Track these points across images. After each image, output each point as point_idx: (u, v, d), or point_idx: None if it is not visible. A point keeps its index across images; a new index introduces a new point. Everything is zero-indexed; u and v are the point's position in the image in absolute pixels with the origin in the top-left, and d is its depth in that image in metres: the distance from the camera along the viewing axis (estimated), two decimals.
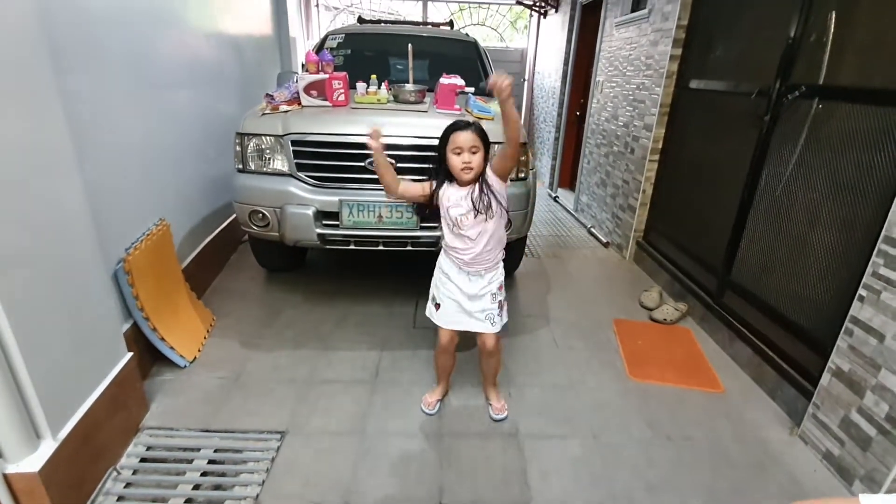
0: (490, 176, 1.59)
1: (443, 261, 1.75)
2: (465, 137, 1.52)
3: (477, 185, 1.58)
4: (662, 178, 3.23)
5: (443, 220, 1.66)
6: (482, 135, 1.55)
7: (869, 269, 1.58)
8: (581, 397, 2.03)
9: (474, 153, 1.53)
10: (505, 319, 1.77)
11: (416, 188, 1.68)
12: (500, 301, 1.73)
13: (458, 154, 1.53)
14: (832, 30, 1.90)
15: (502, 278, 1.74)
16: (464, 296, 1.69)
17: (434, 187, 1.65)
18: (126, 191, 2.00)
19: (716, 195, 2.63)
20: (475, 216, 1.58)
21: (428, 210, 1.71)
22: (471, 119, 2.35)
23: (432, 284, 1.80)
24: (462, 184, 1.59)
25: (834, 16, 1.90)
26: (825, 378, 1.73)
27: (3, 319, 1.19)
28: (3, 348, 1.22)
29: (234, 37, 3.49)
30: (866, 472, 1.55)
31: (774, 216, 2.18)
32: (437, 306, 1.77)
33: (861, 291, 1.60)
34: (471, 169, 1.54)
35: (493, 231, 1.62)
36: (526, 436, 1.80)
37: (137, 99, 2.11)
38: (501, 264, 1.73)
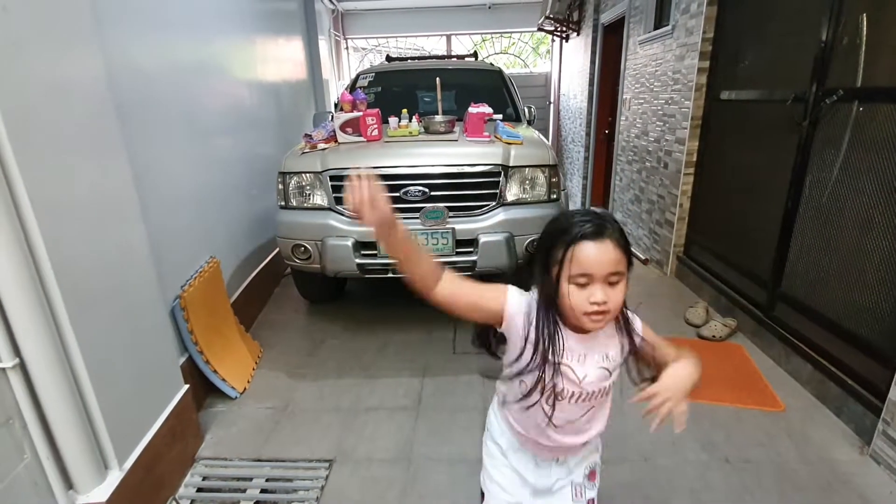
0: (637, 334, 0.96)
1: (494, 422, 1.07)
2: (598, 256, 0.80)
3: (622, 335, 0.94)
4: (700, 190, 3.16)
5: (511, 364, 0.93)
6: (626, 247, 0.84)
7: None
8: (629, 419, 1.95)
9: (613, 284, 0.82)
10: None
11: (482, 297, 0.90)
12: (589, 500, 1.06)
13: (584, 285, 0.82)
14: (865, 31, 1.87)
15: (596, 459, 1.09)
16: (526, 489, 1.03)
17: (531, 310, 0.89)
18: (181, 232, 2.13)
19: (758, 205, 2.56)
20: (594, 387, 0.92)
21: (495, 338, 0.97)
22: (500, 146, 2.41)
23: (482, 466, 1.11)
24: (580, 330, 0.89)
25: (865, 18, 1.86)
26: (894, 392, 1.62)
27: (77, 355, 1.29)
28: (77, 382, 1.31)
29: (273, 83, 3.72)
30: None
31: (823, 223, 2.10)
32: (483, 498, 1.08)
33: None
34: (604, 314, 0.83)
35: (599, 407, 0.98)
36: None
37: (189, 146, 2.28)
38: (596, 444, 1.08)
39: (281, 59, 4.03)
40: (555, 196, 2.45)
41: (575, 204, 5.98)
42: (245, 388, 2.22)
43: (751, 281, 2.63)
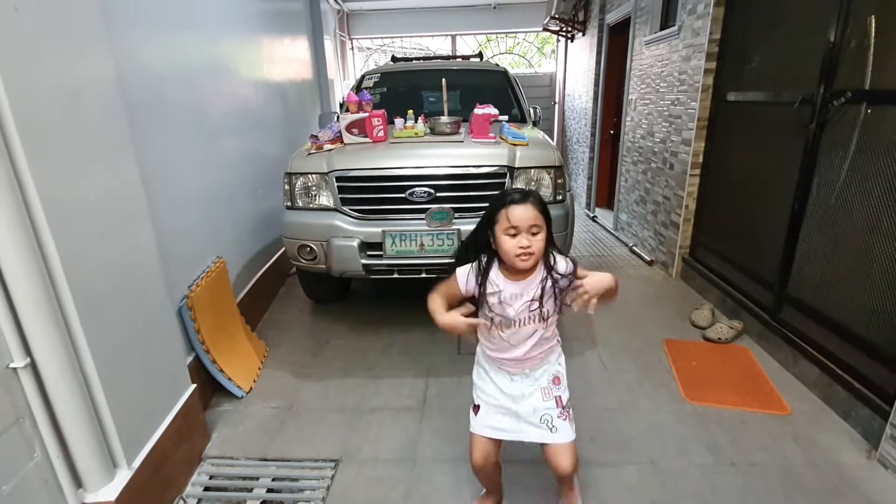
0: (564, 273, 1.23)
1: (480, 354, 1.40)
2: (521, 214, 1.13)
3: (544, 276, 1.22)
4: (706, 192, 3.15)
5: (482, 313, 1.28)
6: (543, 208, 1.17)
7: None
8: (635, 421, 1.97)
9: (535, 234, 1.15)
10: (572, 425, 1.33)
11: (449, 293, 1.28)
12: (556, 397, 1.31)
13: (513, 235, 1.15)
14: (874, 34, 1.85)
15: (559, 370, 1.36)
16: (507, 397, 1.32)
17: (471, 276, 1.25)
18: (188, 232, 2.14)
19: (765, 207, 2.55)
20: (529, 318, 1.23)
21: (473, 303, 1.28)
22: (506, 147, 2.41)
23: (473, 384, 1.42)
24: (515, 273, 1.22)
25: (874, 20, 1.85)
26: None
27: (87, 355, 1.30)
28: (87, 382, 1.32)
29: (279, 83, 3.73)
30: None
31: (831, 226, 2.09)
32: (476, 408, 1.37)
33: None
34: (530, 255, 1.15)
35: (543, 334, 1.28)
36: (580, 463, 1.75)
37: (196, 147, 2.29)
38: (556, 355, 1.37)
39: (287, 60, 4.05)
40: (560, 197, 2.44)
41: (580, 205, 5.97)
42: (251, 388, 2.23)
43: (757, 283, 2.62)
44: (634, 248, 4.09)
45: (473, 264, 1.25)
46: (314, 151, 2.48)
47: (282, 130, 3.66)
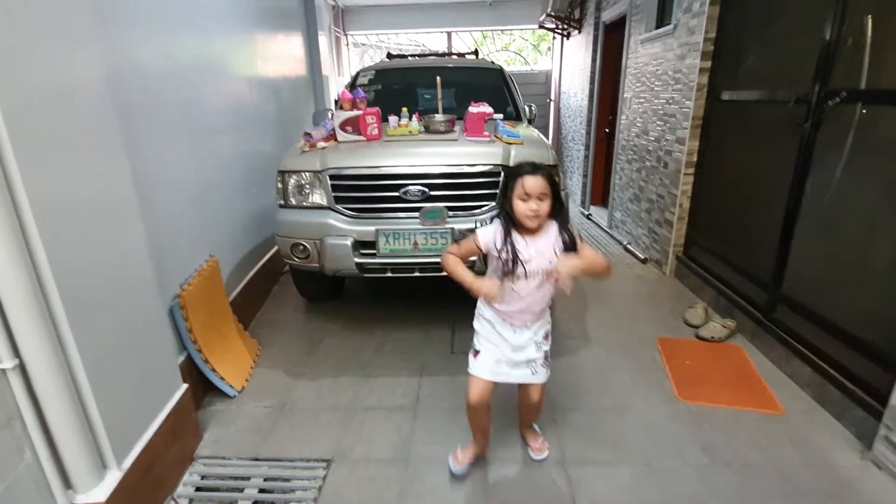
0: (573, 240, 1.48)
1: (484, 308, 1.61)
2: (532, 183, 1.40)
3: (558, 233, 1.47)
4: (700, 191, 3.16)
5: (495, 270, 1.52)
6: (551, 180, 1.44)
7: None
8: (629, 421, 1.97)
9: (542, 200, 1.42)
10: (548, 371, 1.64)
11: (470, 250, 1.53)
12: (545, 351, 1.62)
13: (525, 201, 1.42)
14: (870, 33, 1.85)
15: (549, 327, 1.64)
16: (508, 346, 1.57)
17: (497, 236, 1.48)
18: (180, 231, 2.12)
19: (759, 206, 2.55)
20: (540, 272, 1.46)
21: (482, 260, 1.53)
22: (501, 146, 2.40)
23: (474, 333, 1.65)
24: (527, 232, 1.47)
25: (870, 19, 1.85)
26: (895, 397, 1.62)
27: (76, 356, 1.28)
28: (76, 383, 1.30)
29: (272, 80, 3.70)
30: None
31: (826, 225, 2.10)
32: (477, 353, 1.61)
33: None
34: (538, 216, 1.42)
35: (546, 291, 1.51)
36: (573, 462, 1.76)
37: (189, 145, 2.27)
38: (548, 313, 1.63)
39: (281, 56, 4.01)
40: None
41: (575, 203, 5.97)
42: (243, 387, 2.22)
43: (751, 282, 2.63)
44: (629, 246, 4.10)
45: (496, 227, 1.49)
46: (308, 149, 2.46)
47: (276, 128, 3.63)
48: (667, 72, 3.39)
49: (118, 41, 1.73)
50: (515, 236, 1.46)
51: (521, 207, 1.43)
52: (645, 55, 3.78)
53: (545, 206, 1.43)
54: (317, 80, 5.18)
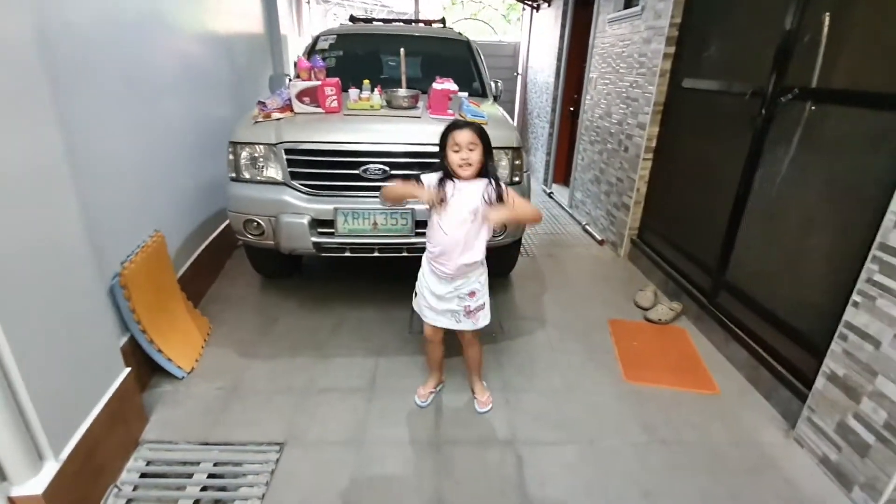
0: (502, 192, 1.66)
1: (425, 264, 1.83)
2: (462, 136, 1.60)
3: (487, 185, 1.65)
4: (656, 176, 3.23)
5: (434, 215, 1.69)
6: (480, 133, 1.62)
7: (863, 275, 1.59)
8: (577, 402, 2.05)
9: (472, 150, 1.61)
10: (476, 324, 1.82)
11: (410, 187, 1.69)
12: (466, 306, 1.79)
13: (457, 152, 1.61)
14: (826, 31, 1.90)
15: (476, 287, 1.78)
16: (432, 295, 1.79)
17: (434, 179, 1.68)
18: (120, 204, 1.98)
19: (710, 194, 2.64)
20: (467, 215, 1.64)
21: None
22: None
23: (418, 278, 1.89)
24: (461, 180, 1.65)
25: (828, 17, 1.89)
26: (820, 381, 1.75)
27: (3, 343, 1.19)
28: (3, 371, 1.22)
29: (225, 38, 3.44)
30: (866, 479, 1.56)
31: (769, 217, 2.20)
32: (415, 295, 1.89)
33: (855, 297, 1.61)
34: (469, 165, 1.61)
35: (471, 238, 1.67)
36: (523, 443, 1.82)
37: (129, 109, 2.09)
38: (477, 276, 1.78)
39: (234, 13, 3.72)
40: (517, 179, 2.43)
41: (538, 180, 6.01)
42: (193, 368, 2.15)
43: (698, 267, 2.75)
44: (587, 226, 4.18)
45: (437, 174, 1.68)
46: (262, 120, 2.32)
47: (228, 90, 3.41)
48: (632, 54, 3.39)
49: None
50: (449, 183, 1.66)
51: (453, 157, 1.62)
52: (612, 35, 3.76)
53: (475, 155, 1.61)
54: (275, 39, 4.88)
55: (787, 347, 2.05)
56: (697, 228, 2.78)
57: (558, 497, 1.60)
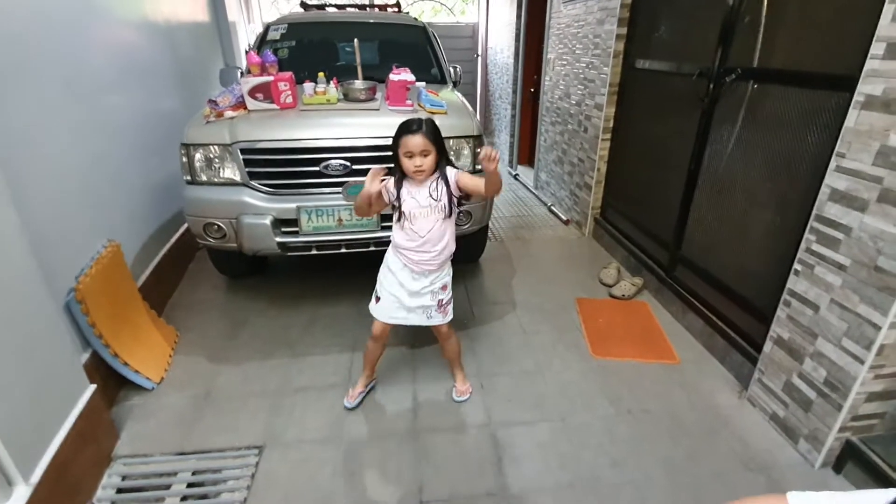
0: (452, 182, 1.64)
1: (390, 257, 1.79)
2: (415, 142, 1.55)
3: (437, 181, 1.64)
4: (615, 156, 3.32)
5: (395, 216, 1.70)
6: (433, 136, 1.58)
7: (803, 245, 1.70)
8: (548, 381, 2.13)
9: (425, 156, 1.58)
10: (447, 317, 1.85)
11: (380, 198, 1.67)
12: (440, 300, 1.80)
13: (410, 157, 1.57)
14: (765, 12, 1.98)
15: (447, 280, 1.81)
16: (404, 291, 1.76)
17: (391, 185, 1.66)
18: (68, 215, 1.90)
19: (665, 173, 2.74)
20: (429, 212, 1.64)
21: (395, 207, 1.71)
22: (424, 115, 2.35)
23: (377, 280, 1.83)
24: (417, 183, 1.65)
25: None
26: (767, 345, 1.88)
27: None
28: None
29: (167, 27, 3.28)
30: (809, 431, 1.71)
31: (718, 193, 2.30)
32: (378, 299, 1.82)
33: (796, 266, 1.73)
34: (422, 171, 1.59)
35: (443, 231, 1.68)
36: (498, 424, 1.89)
37: (67, 111, 1.99)
38: (448, 268, 1.81)
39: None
40: (479, 167, 2.45)
41: (504, 163, 6.05)
42: (162, 378, 2.11)
43: (656, 243, 2.86)
44: (552, 207, 4.27)
45: (393, 178, 1.66)
46: (213, 119, 2.25)
47: (175, 83, 3.26)
48: (587, 35, 3.43)
49: None
50: (405, 185, 1.65)
51: (407, 164, 1.59)
52: (567, 16, 3.78)
53: (429, 161, 1.58)
54: (222, 26, 4.68)
55: (738, 315, 2.18)
56: (654, 205, 2.89)
57: (534, 473, 1.68)
